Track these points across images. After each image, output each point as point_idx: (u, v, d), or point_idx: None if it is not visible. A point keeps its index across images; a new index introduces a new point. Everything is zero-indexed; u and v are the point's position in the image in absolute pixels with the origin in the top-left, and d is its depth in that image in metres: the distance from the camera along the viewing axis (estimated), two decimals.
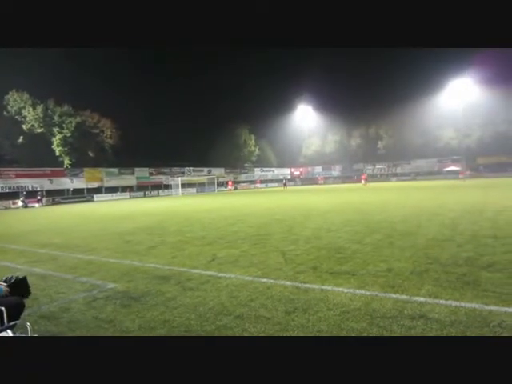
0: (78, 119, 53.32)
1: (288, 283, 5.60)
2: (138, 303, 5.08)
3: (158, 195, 57.06)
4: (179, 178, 58.33)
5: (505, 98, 60.40)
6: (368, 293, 4.97)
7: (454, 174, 62.74)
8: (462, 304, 4.35)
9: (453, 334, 3.58)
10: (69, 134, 51.82)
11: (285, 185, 64.04)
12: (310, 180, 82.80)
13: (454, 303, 4.39)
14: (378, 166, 77.75)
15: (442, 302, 4.47)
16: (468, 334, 3.56)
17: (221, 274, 6.35)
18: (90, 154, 55.96)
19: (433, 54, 66.83)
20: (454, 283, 5.15)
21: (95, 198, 49.47)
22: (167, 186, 59.64)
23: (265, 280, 5.84)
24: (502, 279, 5.23)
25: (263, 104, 77.58)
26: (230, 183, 67.46)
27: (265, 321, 4.19)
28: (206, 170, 68.46)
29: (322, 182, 79.94)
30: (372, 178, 75.39)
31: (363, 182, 54.72)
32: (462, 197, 20.90)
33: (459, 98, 67.76)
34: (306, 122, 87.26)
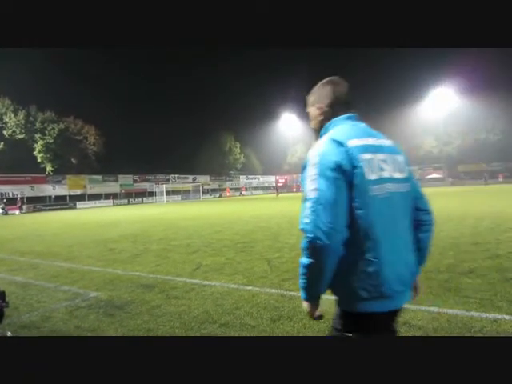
0: (61, 126, 52.70)
1: (273, 291, 5.61)
2: (121, 312, 5.01)
3: (142, 202, 56.53)
4: (164, 186, 57.95)
5: (485, 106, 62.05)
6: None
7: (436, 182, 64.01)
8: (444, 310, 4.42)
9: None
10: (51, 141, 51.14)
11: (277, 191, 61.57)
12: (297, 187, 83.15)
13: (436, 309, 4.46)
14: None
15: (425, 308, 4.53)
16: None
17: (206, 282, 6.31)
18: (73, 160, 55.26)
19: (414, 63, 68.61)
20: (435, 289, 5.23)
21: (78, 206, 48.70)
22: (152, 194, 59.17)
23: (250, 288, 5.84)
24: (482, 285, 5.34)
25: (248, 111, 78.16)
26: (227, 190, 71.59)
27: (250, 329, 4.18)
28: (190, 177, 68.18)
29: (295, 190, 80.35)
30: None
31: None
32: (443, 204, 21.25)
33: (440, 106, 69.42)
34: (290, 129, 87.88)
